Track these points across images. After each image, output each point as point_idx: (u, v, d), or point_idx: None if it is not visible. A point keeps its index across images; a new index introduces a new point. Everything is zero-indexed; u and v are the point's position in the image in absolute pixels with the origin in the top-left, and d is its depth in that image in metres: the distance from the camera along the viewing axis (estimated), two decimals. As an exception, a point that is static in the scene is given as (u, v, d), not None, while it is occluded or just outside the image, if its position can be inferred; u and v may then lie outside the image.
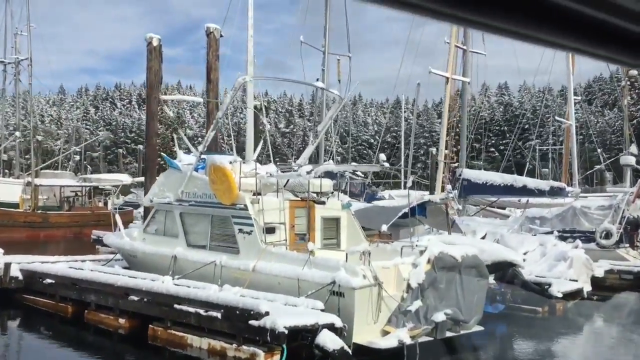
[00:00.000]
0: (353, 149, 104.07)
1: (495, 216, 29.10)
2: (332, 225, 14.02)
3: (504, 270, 14.18)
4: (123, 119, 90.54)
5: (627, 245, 22.30)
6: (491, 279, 14.72)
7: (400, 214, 15.19)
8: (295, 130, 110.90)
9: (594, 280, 18.29)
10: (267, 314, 9.69)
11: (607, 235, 22.07)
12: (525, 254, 18.12)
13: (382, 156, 22.73)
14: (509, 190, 25.36)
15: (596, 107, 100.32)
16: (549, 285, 15.48)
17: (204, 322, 10.55)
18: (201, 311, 10.52)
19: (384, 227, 14.53)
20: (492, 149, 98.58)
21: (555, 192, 25.11)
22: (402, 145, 49.31)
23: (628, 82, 39.66)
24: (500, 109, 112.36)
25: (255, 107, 17.28)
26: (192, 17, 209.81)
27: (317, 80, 29.51)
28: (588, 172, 31.36)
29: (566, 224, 23.47)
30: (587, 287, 16.76)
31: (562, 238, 23.09)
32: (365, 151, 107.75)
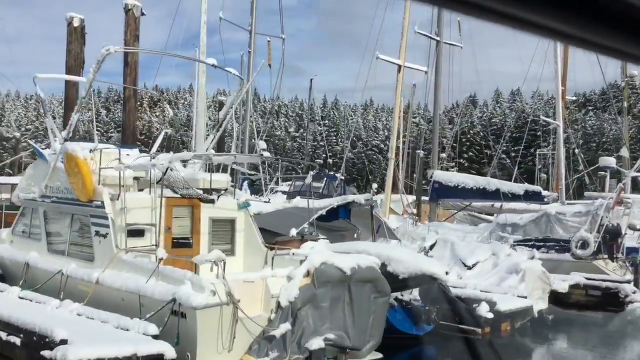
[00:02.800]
0: (363, 154, 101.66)
1: (479, 222, 26.52)
2: (225, 228, 11.66)
3: (429, 285, 11.69)
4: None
5: (606, 256, 19.54)
6: (415, 295, 12.26)
7: (314, 217, 12.84)
8: (305, 134, 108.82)
9: (557, 297, 15.66)
10: (62, 342, 7.37)
11: (584, 244, 19.35)
12: (474, 265, 15.58)
13: (262, 144, 20.10)
14: (482, 193, 22.84)
15: (610, 114, 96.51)
16: (492, 302, 12.90)
17: (6, 349, 8.25)
18: (3, 335, 8.24)
19: (293, 232, 12.13)
20: (504, 156, 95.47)
21: (530, 197, 22.51)
22: (393, 142, 46.73)
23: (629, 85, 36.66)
24: (512, 115, 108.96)
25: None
26: None
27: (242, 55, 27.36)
28: (576, 176, 28.60)
29: (539, 231, 20.79)
30: (541, 305, 14.13)
31: (535, 247, 20.48)
32: (375, 156, 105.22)
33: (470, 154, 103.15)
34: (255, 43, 26.25)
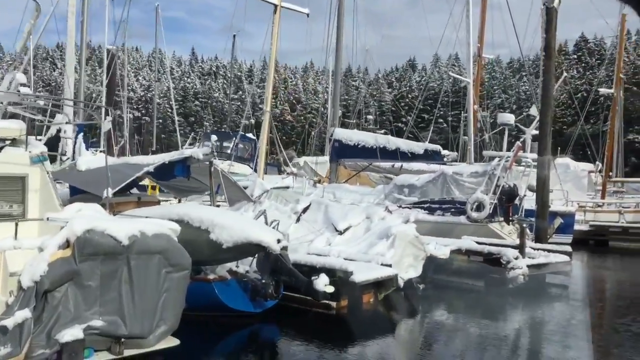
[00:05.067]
0: (302, 117, 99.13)
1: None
2: (14, 186, 9.34)
3: (265, 256, 9.72)
4: (62, 80, 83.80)
5: (502, 219, 18.13)
6: (253, 267, 10.31)
7: (138, 174, 10.69)
8: (244, 96, 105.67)
9: (437, 263, 14.06)
10: None
11: (479, 207, 17.86)
12: (346, 229, 13.76)
13: (21, 77, 16.60)
14: (382, 153, 21.06)
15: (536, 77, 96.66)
16: (347, 272, 11.06)
17: None
18: None
19: (108, 193, 9.91)
20: (441, 120, 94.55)
21: (430, 156, 20.88)
22: (267, 93, 44.78)
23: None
24: (450, 80, 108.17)
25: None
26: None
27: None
28: (486, 136, 27.16)
29: (437, 192, 19.20)
30: (412, 273, 12.45)
31: (430, 209, 18.90)
32: (314, 119, 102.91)
33: (409, 117, 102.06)
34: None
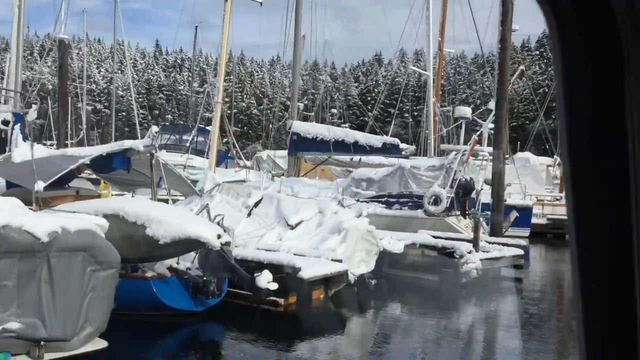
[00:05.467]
0: (269, 111, 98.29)
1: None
2: None
3: (207, 252, 9.30)
4: (23, 72, 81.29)
5: (458, 213, 17.98)
6: (195, 264, 9.87)
7: (73, 166, 10.13)
8: (209, 89, 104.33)
9: (392, 258, 13.81)
10: None
11: (436, 200, 17.67)
12: (298, 224, 13.39)
13: None
14: (341, 146, 20.74)
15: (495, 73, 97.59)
16: (296, 268, 10.68)
17: None
18: None
19: (39, 186, 9.34)
20: (407, 115, 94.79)
21: (388, 150, 20.64)
22: (219, 83, 44.26)
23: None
24: (416, 75, 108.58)
25: None
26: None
27: None
28: (445, 130, 27.12)
29: (395, 186, 18.97)
30: (364, 268, 12.14)
31: (388, 203, 18.65)
32: (281, 113, 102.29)
33: (375, 112, 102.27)
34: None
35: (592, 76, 0.75)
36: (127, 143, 10.95)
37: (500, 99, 17.13)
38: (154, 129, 11.03)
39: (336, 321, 11.11)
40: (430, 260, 13.91)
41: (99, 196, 11.98)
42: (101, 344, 7.30)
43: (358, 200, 18.49)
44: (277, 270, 10.74)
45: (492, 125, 18.16)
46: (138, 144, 10.73)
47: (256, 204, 14.00)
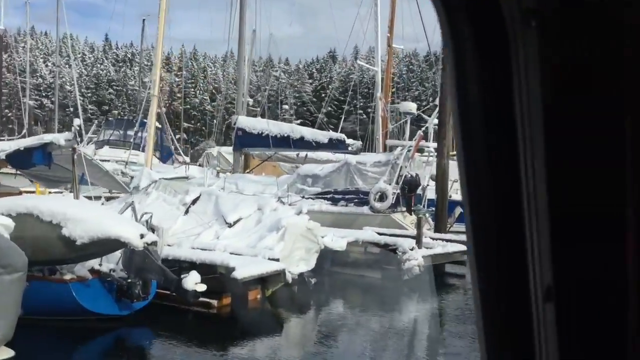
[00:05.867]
0: (222, 107, 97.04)
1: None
2: None
3: (132, 253, 8.75)
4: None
5: (404, 209, 17.82)
6: (120, 266, 9.29)
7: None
8: (161, 85, 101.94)
9: (335, 256, 13.50)
10: None
11: (382, 197, 17.47)
12: (236, 221, 12.93)
13: None
14: (287, 141, 20.32)
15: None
16: (229, 268, 10.23)
17: None
18: None
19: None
20: (361, 112, 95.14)
21: (334, 145, 20.35)
22: (155, 75, 43.54)
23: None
24: (370, 72, 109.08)
25: None
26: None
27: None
28: (393, 125, 27.04)
29: (341, 182, 18.70)
30: (303, 267, 11.78)
31: (334, 200, 18.36)
32: (234, 110, 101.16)
33: (330, 109, 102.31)
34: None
35: (481, 65, 0.74)
36: (48, 137, 10.28)
37: (444, 93, 17.02)
38: (77, 122, 10.45)
39: (273, 322, 10.73)
40: (373, 258, 13.68)
41: (20, 193, 11.26)
42: (7, 353, 6.71)
43: (303, 197, 18.13)
44: (210, 270, 10.30)
45: (436, 121, 18.06)
46: (59, 138, 10.07)
47: (194, 202, 13.48)
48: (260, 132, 20.32)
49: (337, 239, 13.48)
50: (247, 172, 21.45)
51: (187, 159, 22.34)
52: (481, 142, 0.76)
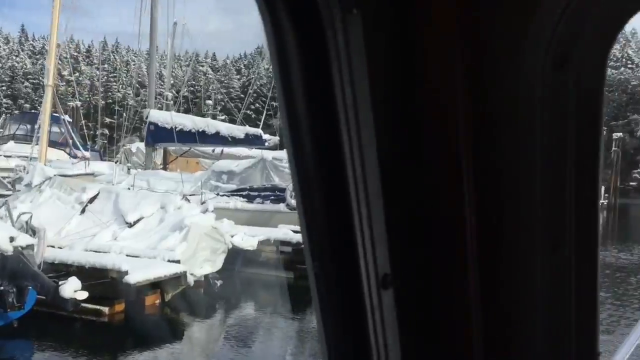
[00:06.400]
0: (146, 102, 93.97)
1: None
2: None
3: (4, 258, 7.78)
4: None
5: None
6: None
7: None
8: (81, 79, 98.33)
9: (246, 256, 12.87)
10: None
11: (299, 193, 16.91)
12: (137, 221, 12.04)
13: None
14: (202, 137, 19.46)
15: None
16: (121, 272, 9.38)
17: None
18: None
19: None
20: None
21: (251, 140, 19.69)
22: (49, 65, 42.15)
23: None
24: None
25: None
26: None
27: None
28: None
29: (257, 179, 18.04)
30: (208, 268, 11.08)
31: (250, 197, 17.65)
32: (159, 105, 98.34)
33: (257, 105, 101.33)
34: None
35: (303, 56, 0.71)
36: None
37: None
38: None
39: (171, 329, 9.97)
40: (287, 257, 13.11)
41: None
42: None
43: (218, 194, 17.38)
44: (101, 274, 9.44)
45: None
46: None
47: (91, 200, 12.47)
48: (173, 127, 19.37)
49: (248, 238, 12.86)
50: (162, 169, 20.44)
51: (87, 154, 21.02)
52: (308, 134, 0.74)
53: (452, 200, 0.78)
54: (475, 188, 0.78)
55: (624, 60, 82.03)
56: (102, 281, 9.17)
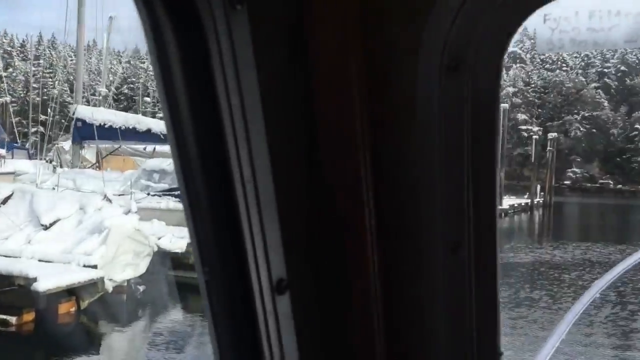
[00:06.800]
0: (84, 99, 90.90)
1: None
2: None
3: None
4: None
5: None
6: None
7: None
8: (15, 74, 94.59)
9: (174, 258, 12.23)
10: None
11: (234, 193, 16.39)
12: (53, 223, 11.26)
13: None
14: (132, 134, 18.66)
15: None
16: (29, 279, 8.66)
17: None
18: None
19: None
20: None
21: (185, 139, 18.98)
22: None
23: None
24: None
25: None
26: None
27: None
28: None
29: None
30: (130, 273, 10.43)
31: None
32: (95, 102, 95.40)
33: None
34: None
35: (184, 55, 0.68)
36: None
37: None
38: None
39: (88, 338, 9.28)
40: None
41: None
42: None
43: (149, 194, 16.65)
44: (8, 282, 8.66)
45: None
46: None
47: (4, 200, 11.58)
48: (102, 123, 18.51)
49: (177, 240, 12.25)
50: (90, 167, 19.49)
51: (2, 152, 19.85)
52: (191, 135, 0.70)
53: (349, 201, 0.76)
54: (374, 188, 0.76)
55: (559, 63, 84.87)
56: (8, 289, 8.39)
